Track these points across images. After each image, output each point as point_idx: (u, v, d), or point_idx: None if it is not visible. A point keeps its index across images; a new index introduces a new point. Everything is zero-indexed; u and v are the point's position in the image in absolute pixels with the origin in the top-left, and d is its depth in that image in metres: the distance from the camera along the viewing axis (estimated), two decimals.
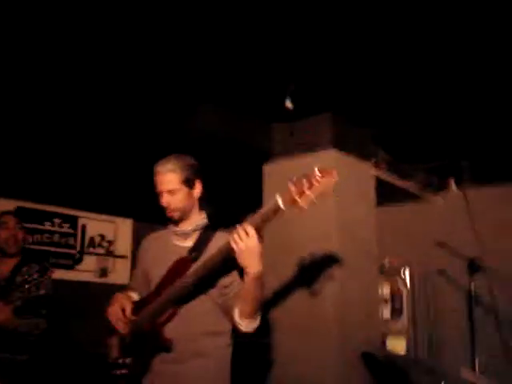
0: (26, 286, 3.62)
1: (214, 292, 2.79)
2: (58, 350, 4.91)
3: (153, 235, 3.09)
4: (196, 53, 3.97)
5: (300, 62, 4.11)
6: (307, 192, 2.34)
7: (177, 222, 2.90)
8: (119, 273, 6.16)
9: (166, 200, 2.82)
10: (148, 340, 2.79)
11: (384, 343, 4.84)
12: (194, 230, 2.88)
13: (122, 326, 2.83)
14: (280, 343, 4.36)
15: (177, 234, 2.90)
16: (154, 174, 2.87)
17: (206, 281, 2.69)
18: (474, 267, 4.27)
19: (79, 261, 5.92)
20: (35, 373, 3.57)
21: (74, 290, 5.45)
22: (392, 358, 4.05)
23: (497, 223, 5.05)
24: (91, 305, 3.61)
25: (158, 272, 2.86)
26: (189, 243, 2.87)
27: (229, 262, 2.63)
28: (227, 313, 2.78)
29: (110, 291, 3.02)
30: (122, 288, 3.08)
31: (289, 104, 4.14)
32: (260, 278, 2.55)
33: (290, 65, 4.13)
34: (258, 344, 4.34)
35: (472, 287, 4.33)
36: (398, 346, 4.87)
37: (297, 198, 2.35)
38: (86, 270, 5.93)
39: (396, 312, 4.98)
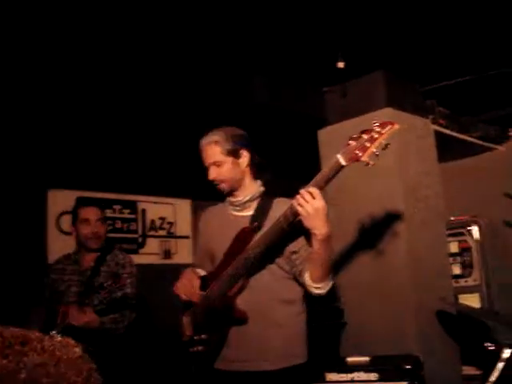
0: (109, 283, 3.51)
1: (281, 260, 2.77)
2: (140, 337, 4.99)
3: (211, 209, 3.09)
4: (245, 24, 3.94)
5: (347, 21, 4.03)
6: (368, 145, 2.31)
7: (231, 194, 2.88)
8: (182, 253, 6.19)
9: (212, 172, 2.81)
10: (221, 314, 2.78)
11: (457, 299, 4.76)
12: (252, 199, 2.86)
13: (194, 298, 2.83)
14: (352, 306, 4.33)
15: (234, 205, 2.88)
16: (199, 149, 2.86)
17: (273, 249, 2.68)
18: None
19: (142, 245, 5.97)
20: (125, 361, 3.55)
21: (140, 273, 5.51)
22: (466, 313, 3.96)
23: None
24: (159, 286, 3.63)
25: (220, 245, 2.85)
26: (248, 212, 2.85)
27: (294, 227, 2.60)
28: (298, 278, 2.76)
29: (175, 272, 3.01)
30: (186, 267, 3.08)
31: (341, 64, 4.06)
32: (328, 240, 2.52)
33: (337, 26, 4.06)
34: (331, 309, 4.32)
35: None
36: (471, 301, 4.77)
37: (358, 152, 2.32)
38: (150, 253, 5.99)
39: (467, 267, 4.87)
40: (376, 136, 2.34)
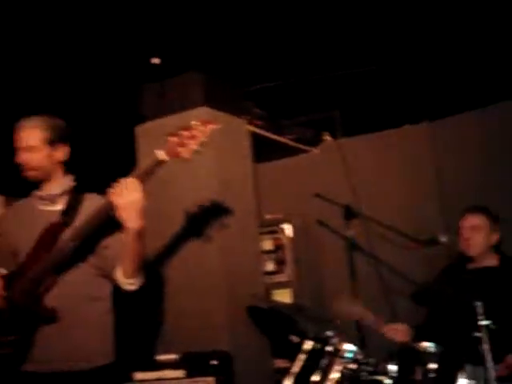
0: None
1: (92, 256, 2.71)
2: None
3: (15, 204, 2.95)
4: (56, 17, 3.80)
5: (167, 20, 4.03)
6: (188, 142, 2.38)
7: (38, 186, 2.77)
8: None
9: (22, 157, 2.69)
10: (28, 314, 2.65)
11: (270, 296, 4.92)
12: (62, 194, 2.77)
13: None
14: (164, 304, 4.32)
15: (43, 199, 2.77)
16: (15, 129, 2.73)
17: (85, 245, 2.61)
18: (349, 213, 4.38)
19: None
20: None
21: None
22: (275, 308, 4.10)
23: (370, 171, 5.22)
24: None
25: (26, 241, 2.72)
26: (58, 207, 2.76)
27: (107, 222, 2.56)
28: (110, 274, 2.71)
29: None
30: None
31: (156, 60, 4.05)
32: (141, 234, 2.51)
33: (156, 24, 4.05)
34: (144, 307, 4.27)
35: (350, 234, 4.44)
36: (284, 296, 4.96)
37: (179, 148, 2.37)
38: None
39: (280, 264, 5.06)
40: (197, 134, 2.41)
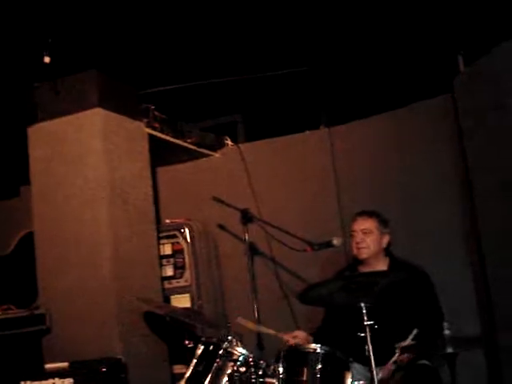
0: None
1: None
2: None
3: None
4: None
5: (62, 15, 3.91)
6: None
7: None
8: None
9: None
10: None
11: (169, 301, 4.86)
12: None
13: None
14: (55, 312, 4.18)
15: None
16: None
17: None
18: (246, 218, 4.40)
19: None
20: None
21: None
22: (171, 313, 4.05)
23: (270, 175, 5.26)
24: None
25: None
26: None
27: None
28: None
29: None
30: None
31: (47, 59, 3.92)
32: None
33: (49, 20, 3.92)
34: (32, 314, 4.13)
35: (247, 237, 4.45)
36: (183, 301, 4.91)
37: None
38: None
39: (179, 269, 5.00)
40: None
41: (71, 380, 3.50)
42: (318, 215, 5.05)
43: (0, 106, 4.46)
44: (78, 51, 4.31)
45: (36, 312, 4.14)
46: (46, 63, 3.96)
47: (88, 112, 4.26)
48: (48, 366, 3.72)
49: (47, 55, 3.92)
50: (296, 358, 3.12)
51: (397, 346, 3.15)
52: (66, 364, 3.68)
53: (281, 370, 3.08)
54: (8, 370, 3.69)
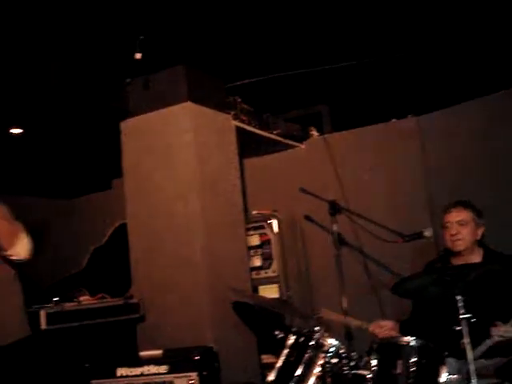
0: None
1: None
2: None
3: None
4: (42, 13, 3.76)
5: (149, 14, 3.99)
6: None
7: None
8: None
9: None
10: None
11: (257, 291, 4.91)
12: None
13: None
14: (149, 301, 4.31)
15: None
16: None
17: None
18: (334, 208, 4.36)
19: None
20: None
21: None
22: (262, 304, 4.08)
23: (357, 166, 5.21)
24: None
25: None
26: None
27: None
28: None
29: None
30: None
31: (138, 55, 4.02)
32: None
33: (139, 18, 4.01)
34: (127, 303, 4.27)
35: (335, 228, 4.42)
36: (271, 291, 4.95)
37: None
38: None
39: (267, 259, 5.05)
40: None
41: (166, 367, 3.59)
42: (406, 205, 4.97)
43: (93, 101, 4.59)
44: (168, 47, 4.39)
45: (130, 301, 4.27)
46: (138, 59, 4.05)
47: (178, 106, 4.35)
48: (142, 353, 3.82)
49: (139, 52, 4.01)
50: (390, 350, 3.07)
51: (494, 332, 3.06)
52: (159, 352, 3.77)
53: (374, 362, 3.04)
54: (104, 356, 3.81)
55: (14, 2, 3.58)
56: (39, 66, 4.19)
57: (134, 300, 4.29)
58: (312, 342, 3.28)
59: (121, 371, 3.64)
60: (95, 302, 4.20)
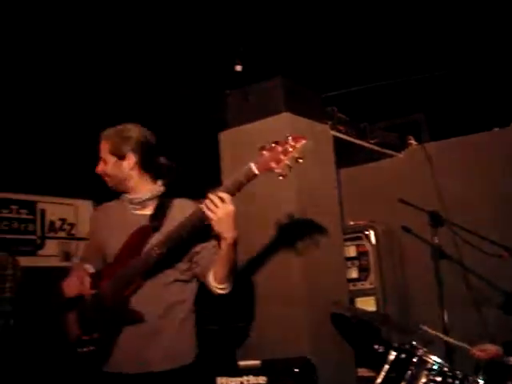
0: None
1: (181, 261, 2.77)
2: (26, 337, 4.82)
3: (106, 205, 3.05)
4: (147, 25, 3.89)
5: (248, 27, 4.05)
6: (282, 157, 2.41)
7: (125, 191, 2.87)
8: None
9: (98, 166, 2.85)
10: (113, 314, 2.73)
11: (353, 303, 4.85)
12: (151, 198, 2.85)
13: (86, 292, 2.77)
14: (248, 310, 4.33)
15: (133, 203, 2.86)
16: None
17: (174, 251, 2.67)
18: (436, 220, 4.26)
19: (41, 246, 5.81)
20: None
21: (37, 276, 5.34)
22: (359, 316, 4.03)
23: (457, 175, 5.05)
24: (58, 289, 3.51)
25: (115, 242, 2.81)
26: (147, 211, 2.83)
27: (199, 231, 2.63)
28: (200, 278, 2.80)
29: None
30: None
31: (238, 67, 4.08)
32: (236, 243, 2.60)
33: (238, 31, 4.07)
34: (228, 312, 4.31)
35: (436, 240, 4.32)
36: (367, 304, 4.87)
37: (272, 163, 2.39)
38: (48, 255, 5.83)
39: (363, 271, 4.97)
40: (290, 149, 2.42)
41: (265, 378, 3.59)
42: (508, 218, 4.77)
43: (193, 112, 4.71)
44: (265, 59, 4.44)
45: (232, 310, 4.30)
46: (237, 71, 4.12)
47: (276, 117, 4.36)
48: (241, 363, 3.84)
49: (239, 64, 4.07)
50: (498, 370, 2.97)
51: None
52: (258, 362, 3.77)
53: (481, 382, 2.94)
54: (205, 363, 3.85)
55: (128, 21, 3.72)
56: (145, 77, 4.34)
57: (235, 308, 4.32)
58: (414, 359, 3.21)
59: (221, 380, 3.67)
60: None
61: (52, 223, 5.92)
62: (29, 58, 4.04)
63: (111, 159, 2.81)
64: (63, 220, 6.02)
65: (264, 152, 2.44)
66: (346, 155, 5.20)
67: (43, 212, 5.86)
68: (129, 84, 4.38)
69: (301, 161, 2.43)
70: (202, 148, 5.01)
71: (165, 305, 2.75)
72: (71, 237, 6.04)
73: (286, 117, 4.33)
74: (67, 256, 5.97)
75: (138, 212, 2.85)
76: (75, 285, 2.77)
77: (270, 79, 4.48)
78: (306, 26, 4.20)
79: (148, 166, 2.87)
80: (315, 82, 4.79)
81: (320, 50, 4.57)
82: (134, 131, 2.86)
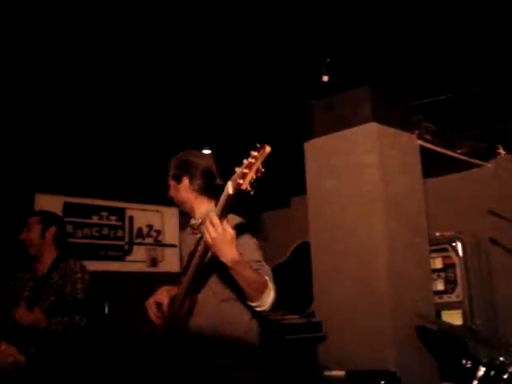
0: (61, 285, 3.55)
1: (212, 281, 2.77)
2: (114, 342, 4.97)
3: (187, 229, 3.15)
4: (234, 36, 3.96)
5: (334, 36, 4.05)
6: (246, 171, 2.20)
7: (190, 213, 2.99)
8: (169, 261, 6.22)
9: (169, 191, 2.97)
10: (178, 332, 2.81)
11: (439, 316, 4.76)
12: (201, 223, 2.86)
13: (156, 321, 2.87)
14: (331, 320, 4.33)
15: (192, 227, 2.96)
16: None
17: (205, 272, 2.70)
18: None
19: (129, 252, 6.00)
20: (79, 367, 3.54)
21: (125, 281, 5.52)
22: (445, 330, 3.95)
23: None
24: (145, 294, 3.63)
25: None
26: (199, 235, 2.87)
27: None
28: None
29: (162, 280, 3.07)
30: (173, 276, 3.13)
31: (325, 78, 4.09)
32: (238, 265, 2.45)
33: (324, 40, 4.08)
34: (309, 322, 4.32)
35: None
36: (454, 318, 4.77)
37: (240, 180, 2.22)
38: (136, 261, 6.01)
39: (450, 284, 4.87)
40: (252, 161, 2.21)
41: None
42: None
43: (279, 122, 4.74)
44: (351, 69, 4.42)
45: (312, 320, 4.32)
46: (323, 82, 4.12)
47: (362, 127, 4.35)
48: (325, 373, 3.84)
49: (326, 74, 4.07)
50: None
51: None
52: (342, 373, 3.76)
53: None
54: (287, 374, 3.88)
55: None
56: (230, 91, 4.41)
57: (317, 319, 4.32)
58: (505, 376, 3.12)
59: None
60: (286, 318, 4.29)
61: (140, 229, 6.12)
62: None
63: (172, 184, 2.93)
64: (150, 226, 6.21)
65: (236, 168, 2.30)
66: (432, 165, 5.10)
67: (131, 219, 6.06)
68: (214, 95, 4.46)
69: (262, 171, 2.23)
70: (287, 158, 5.04)
71: (217, 325, 2.74)
72: (158, 243, 6.23)
73: (372, 126, 4.32)
74: (154, 262, 6.14)
75: (194, 236, 2.92)
76: (150, 307, 2.89)
77: (355, 88, 4.47)
78: (392, 34, 4.16)
79: (204, 189, 2.91)
80: (401, 91, 4.74)
81: (405, 58, 4.50)
82: (191, 155, 2.95)
